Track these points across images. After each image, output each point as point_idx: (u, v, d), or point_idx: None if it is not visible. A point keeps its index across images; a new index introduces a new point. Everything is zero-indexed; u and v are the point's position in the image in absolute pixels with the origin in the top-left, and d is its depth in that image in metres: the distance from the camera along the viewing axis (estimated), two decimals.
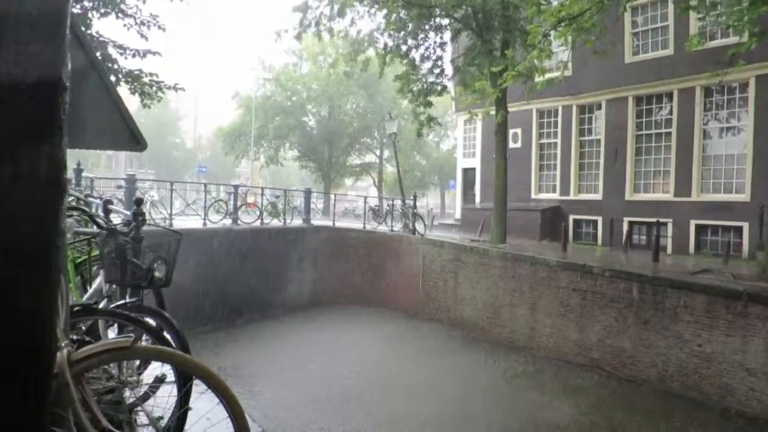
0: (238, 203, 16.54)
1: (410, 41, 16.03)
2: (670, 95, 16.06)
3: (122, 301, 3.04)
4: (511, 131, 18.17)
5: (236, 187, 17.19)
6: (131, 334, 2.24)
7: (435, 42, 16.27)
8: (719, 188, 15.17)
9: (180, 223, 13.56)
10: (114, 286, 3.20)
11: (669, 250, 15.56)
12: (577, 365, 11.37)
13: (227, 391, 2.06)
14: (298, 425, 8.31)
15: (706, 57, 13.16)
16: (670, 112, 16.09)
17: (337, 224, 19.17)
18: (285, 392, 9.69)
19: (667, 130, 16.17)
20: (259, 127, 34.12)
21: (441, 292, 15.09)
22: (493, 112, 15.26)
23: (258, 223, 16.64)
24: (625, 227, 16.41)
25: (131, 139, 2.64)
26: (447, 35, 16.77)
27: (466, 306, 14.28)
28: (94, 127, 2.47)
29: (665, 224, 15.60)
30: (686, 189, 15.61)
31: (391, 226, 18.03)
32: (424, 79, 16.34)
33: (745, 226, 14.32)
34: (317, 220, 20.17)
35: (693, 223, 15.42)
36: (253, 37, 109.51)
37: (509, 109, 15.64)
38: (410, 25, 15.57)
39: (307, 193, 19.54)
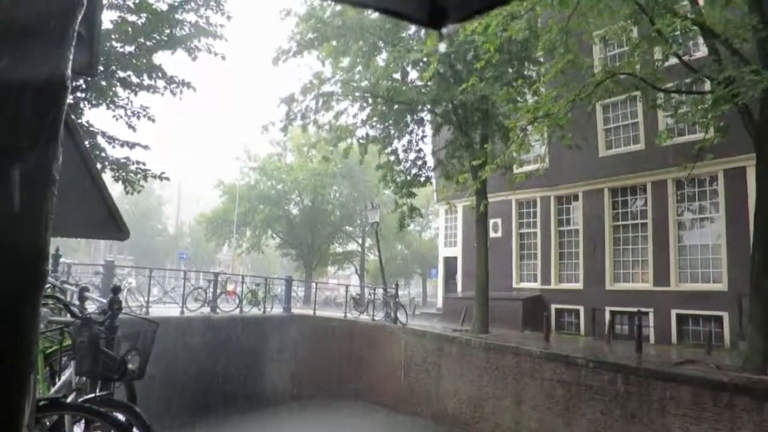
0: (218, 291, 16.31)
1: (393, 132, 16.58)
2: (644, 187, 16.60)
3: (92, 395, 2.92)
4: (491, 221, 18.48)
5: (216, 274, 17.03)
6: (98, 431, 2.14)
7: (417, 135, 16.87)
8: (697, 278, 15.37)
9: (157, 311, 13.27)
10: (84, 378, 3.08)
11: (651, 339, 15.49)
12: None
13: None
14: None
15: (676, 151, 13.76)
16: (645, 204, 16.57)
17: (318, 313, 18.91)
18: None
19: (643, 221, 16.58)
20: (243, 214, 34.32)
21: (423, 384, 14.69)
22: (473, 203, 15.58)
23: (237, 311, 16.35)
24: (607, 317, 16.39)
25: (114, 227, 2.64)
26: (428, 129, 17.41)
27: (450, 398, 13.87)
28: (78, 216, 2.48)
29: (647, 314, 15.62)
30: (665, 278, 15.78)
31: (373, 315, 17.82)
32: (407, 171, 16.76)
33: (725, 315, 14.39)
34: (298, 309, 19.89)
35: (674, 312, 15.47)
36: (238, 126, 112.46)
37: (489, 200, 15.99)
38: (392, 118, 16.17)
39: (288, 282, 19.40)
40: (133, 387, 3.37)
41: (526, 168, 12.98)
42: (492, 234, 19.24)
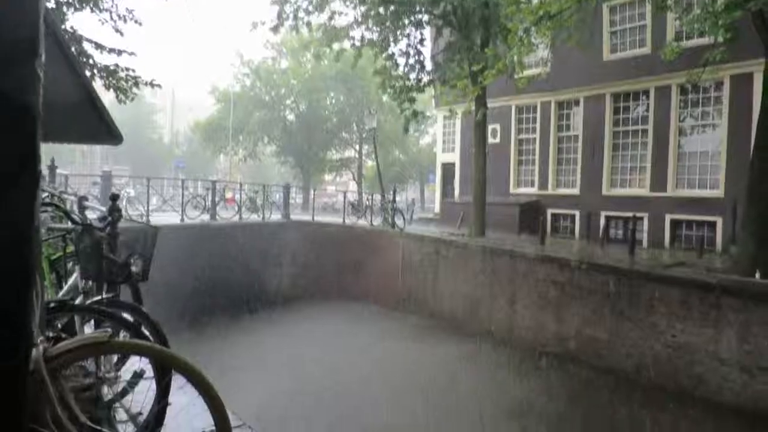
0: (217, 199, 16.41)
1: (390, 35, 16.00)
2: (647, 93, 16.28)
3: (98, 297, 3.00)
4: (490, 127, 18.27)
5: (214, 182, 17.07)
6: (108, 329, 2.21)
7: (415, 38, 16.28)
8: (694, 184, 15.44)
9: (157, 219, 13.41)
10: (90, 282, 3.15)
11: (645, 244, 15.81)
12: (555, 355, 11.51)
13: (206, 384, 2.04)
14: (278, 416, 8.27)
15: (683, 56, 13.38)
16: (647, 110, 16.32)
17: (317, 219, 19.14)
18: (263, 386, 9.63)
19: (644, 127, 16.41)
20: (238, 121, 33.84)
21: (421, 286, 15.15)
22: (472, 108, 15.33)
23: (237, 218, 16.53)
24: (602, 221, 16.63)
25: (107, 132, 2.60)
26: (427, 32, 16.76)
27: (446, 299, 14.36)
28: (69, 121, 2.43)
29: (641, 218, 15.84)
30: (662, 184, 15.85)
31: (371, 221, 18.04)
32: (405, 76, 16.33)
33: (719, 221, 14.60)
34: (296, 215, 20.09)
35: (668, 217, 15.68)
36: (232, 32, 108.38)
37: (489, 105, 15.72)
38: (389, 20, 15.54)
39: (286, 188, 19.47)
40: (138, 289, 3.46)
41: (528, 72, 12.61)
42: (491, 140, 19.09)
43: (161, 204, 16.34)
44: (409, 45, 16.23)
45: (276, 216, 18.17)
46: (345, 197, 20.83)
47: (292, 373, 10.44)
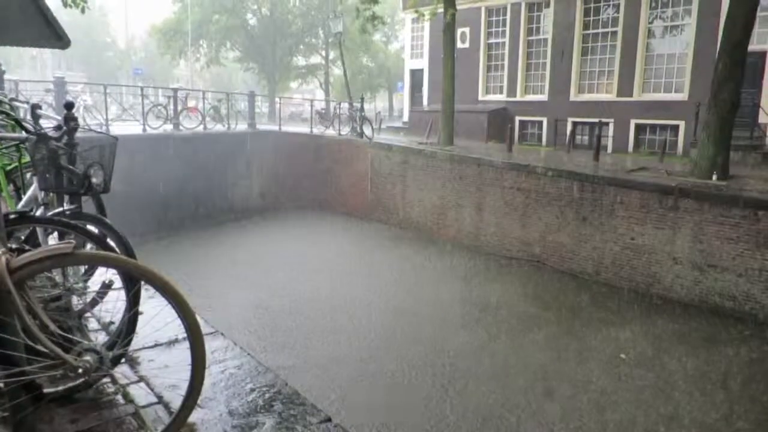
0: (179, 108, 15.88)
1: None
2: None
3: (60, 209, 2.94)
4: (459, 30, 17.78)
5: (176, 90, 16.48)
6: (71, 241, 2.19)
7: None
8: (660, 88, 15.52)
9: (117, 129, 12.98)
10: (50, 194, 3.08)
11: (610, 149, 16.07)
12: (520, 260, 11.96)
13: (175, 293, 2.06)
14: (244, 324, 8.50)
15: None
16: (617, 11, 16.02)
17: (284, 129, 18.79)
18: (234, 296, 9.81)
19: (614, 29, 16.18)
20: (197, 24, 32.13)
21: (390, 195, 15.27)
22: (441, 11, 14.81)
23: (201, 128, 16.11)
24: (569, 128, 16.74)
25: (51, 35, 2.42)
26: None
27: (414, 208, 14.56)
28: (10, 23, 2.25)
29: (607, 124, 15.99)
30: (628, 89, 15.89)
31: (339, 130, 17.81)
32: None
33: (682, 124, 14.84)
34: (263, 125, 19.68)
35: (633, 122, 15.86)
36: None
37: (457, 7, 15.21)
38: None
39: (251, 97, 18.90)
40: (101, 201, 3.39)
41: None
42: (459, 45, 18.63)
43: (121, 113, 15.77)
44: None
45: (242, 126, 17.75)
46: (312, 106, 20.37)
47: (262, 282, 10.64)
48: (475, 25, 19.34)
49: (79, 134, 3.18)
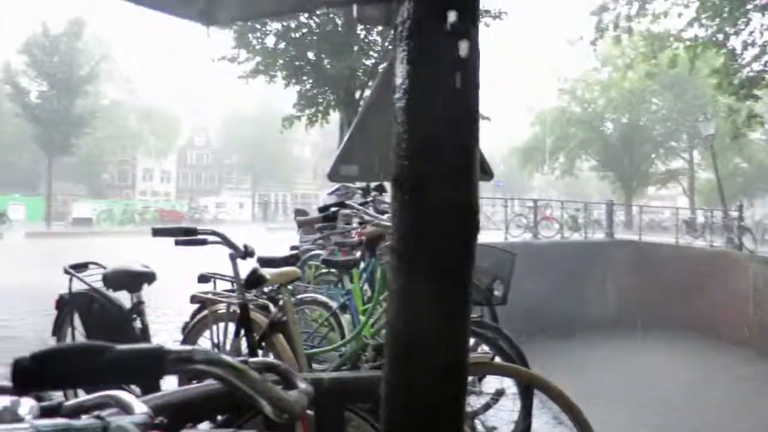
0: (538, 217, 16.64)
1: (727, 28, 14.10)
2: None
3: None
4: None
5: (535, 201, 17.36)
6: (489, 351, 2.52)
7: (761, 24, 13.98)
8: None
9: (481, 237, 14.17)
10: None
11: None
12: None
13: (573, 406, 2.16)
14: None
15: None
16: None
17: (644, 238, 17.79)
18: (611, 414, 9.08)
19: None
20: (555, 140, 33.78)
21: None
22: None
23: (558, 237, 16.48)
24: None
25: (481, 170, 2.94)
26: None
27: None
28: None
29: None
30: None
31: (711, 241, 15.99)
32: (747, 65, 14.15)
33: None
34: (620, 234, 19.05)
35: None
36: (543, 49, 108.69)
37: None
38: (727, 9, 13.69)
39: (609, 206, 18.60)
40: (495, 311, 3.79)
41: None
42: None
43: (486, 222, 17.33)
44: (752, 33, 14.02)
45: (599, 235, 17.52)
46: (677, 214, 18.91)
47: (624, 407, 9.79)
48: None
49: (482, 248, 3.67)
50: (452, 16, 1.36)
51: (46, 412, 0.77)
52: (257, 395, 0.74)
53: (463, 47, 1.40)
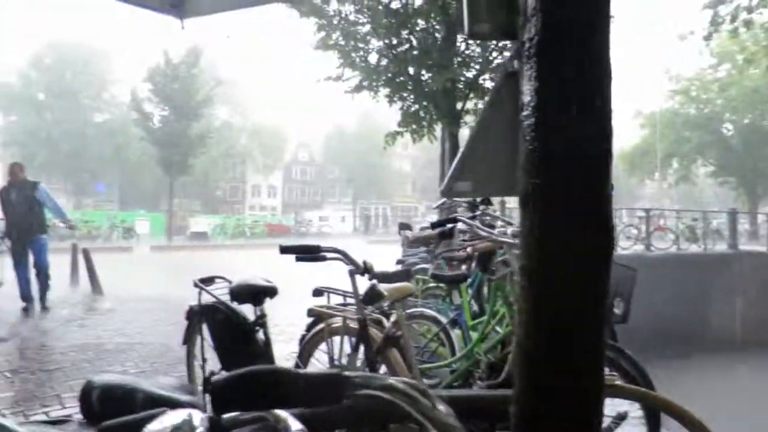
0: (651, 228, 15.68)
1: None
2: None
3: None
4: None
5: (647, 210, 16.39)
6: (615, 373, 2.41)
7: None
8: None
9: None
10: None
11: None
12: None
13: (702, 427, 2.02)
14: None
15: None
16: None
17: None
18: None
19: None
20: (668, 144, 31.77)
21: None
22: None
23: (673, 248, 15.45)
24: None
25: None
26: None
27: None
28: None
29: None
30: None
31: None
32: None
33: None
34: (744, 245, 17.53)
35: None
36: (649, 48, 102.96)
37: None
38: None
39: (732, 215, 17.16)
40: (614, 330, 3.62)
41: None
42: None
43: None
44: None
45: (720, 246, 16.22)
46: None
47: None
48: None
49: None
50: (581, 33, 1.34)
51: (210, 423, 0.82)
52: (427, 422, 0.76)
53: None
